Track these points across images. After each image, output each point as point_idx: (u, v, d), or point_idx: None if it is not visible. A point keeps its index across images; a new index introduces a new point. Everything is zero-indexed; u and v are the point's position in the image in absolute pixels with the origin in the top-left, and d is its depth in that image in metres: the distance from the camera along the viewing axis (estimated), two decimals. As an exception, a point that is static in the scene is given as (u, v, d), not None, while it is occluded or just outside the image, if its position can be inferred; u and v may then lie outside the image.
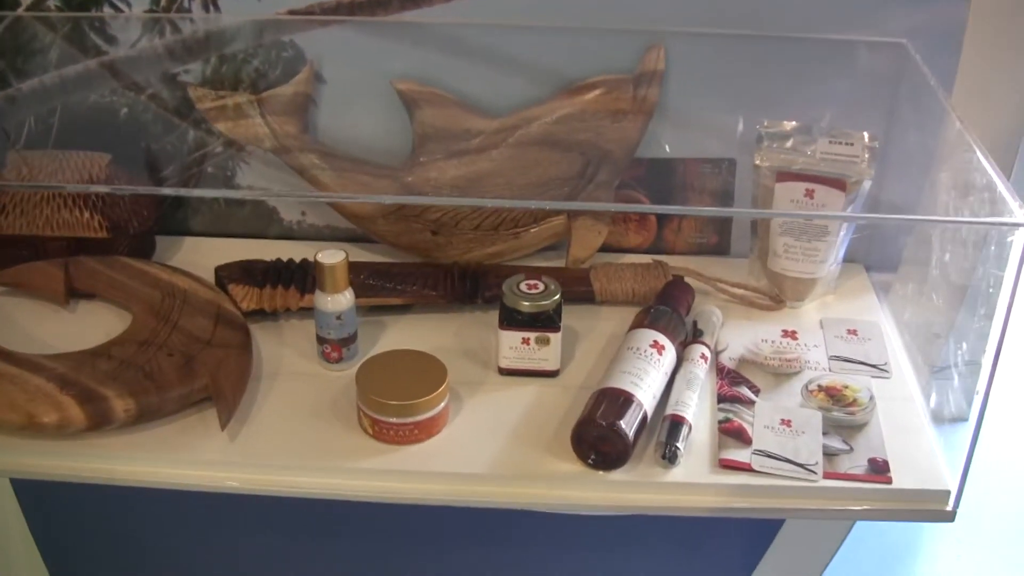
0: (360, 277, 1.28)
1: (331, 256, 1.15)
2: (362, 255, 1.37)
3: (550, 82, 1.30)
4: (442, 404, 1.10)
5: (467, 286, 1.28)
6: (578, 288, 1.30)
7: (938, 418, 1.17)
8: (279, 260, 1.30)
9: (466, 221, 1.33)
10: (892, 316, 1.32)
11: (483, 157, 1.31)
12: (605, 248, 1.38)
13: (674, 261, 1.34)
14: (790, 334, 1.27)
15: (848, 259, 1.35)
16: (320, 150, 1.32)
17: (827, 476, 1.06)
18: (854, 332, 1.27)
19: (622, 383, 1.10)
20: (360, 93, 1.33)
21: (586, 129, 1.29)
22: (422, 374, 1.11)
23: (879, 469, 1.08)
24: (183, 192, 1.42)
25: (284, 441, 1.09)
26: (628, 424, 1.05)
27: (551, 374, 1.19)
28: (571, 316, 1.26)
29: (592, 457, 1.06)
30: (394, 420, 1.07)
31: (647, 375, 1.11)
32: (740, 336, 1.26)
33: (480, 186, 1.32)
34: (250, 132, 1.31)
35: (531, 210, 1.34)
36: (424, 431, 1.09)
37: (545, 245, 1.37)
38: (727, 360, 1.22)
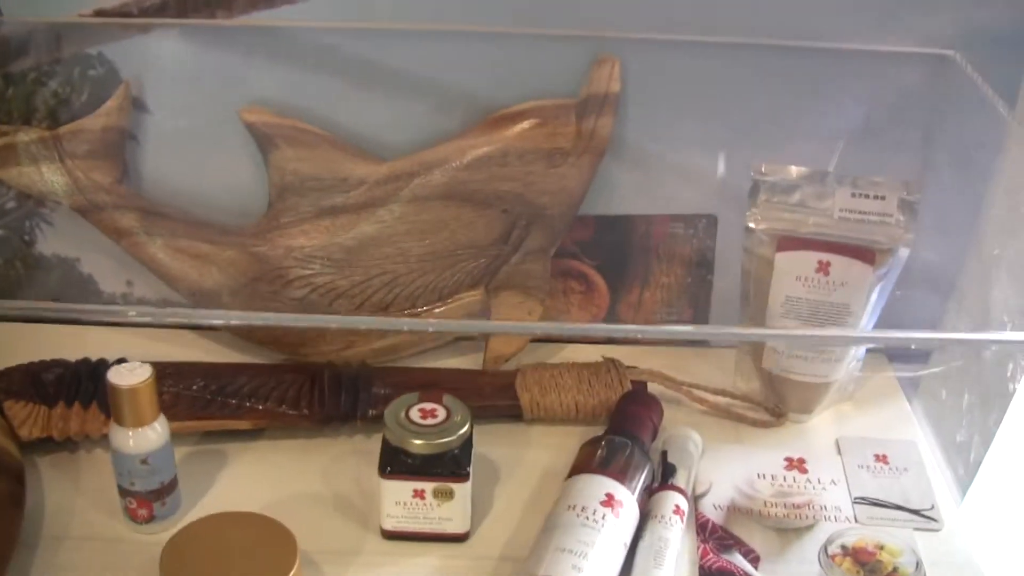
0: (191, 388, 0.90)
1: (129, 373, 0.77)
2: (208, 349, 0.99)
3: (460, 110, 0.93)
4: (288, 602, 0.72)
5: (342, 400, 0.90)
6: (499, 402, 0.93)
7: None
8: (84, 360, 0.91)
9: (344, 300, 0.96)
10: (929, 427, 0.96)
11: (366, 217, 0.94)
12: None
13: (633, 354, 0.97)
14: (796, 464, 0.91)
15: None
16: (143, 207, 0.95)
17: None
18: (883, 459, 0.92)
19: (560, 570, 0.73)
20: (198, 126, 0.95)
21: (511, 177, 0.92)
22: (259, 550, 0.74)
23: None
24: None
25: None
26: (569, 639, 0.69)
27: (457, 539, 0.82)
28: (490, 442, 0.90)
29: None
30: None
31: (595, 549, 0.75)
32: (727, 468, 0.90)
33: (362, 258, 0.95)
34: (43, 182, 0.93)
35: (436, 286, 0.97)
36: (260, 646, 0.72)
37: (456, 335, 1.00)
38: (710, 510, 0.86)
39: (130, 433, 0.78)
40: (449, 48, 0.91)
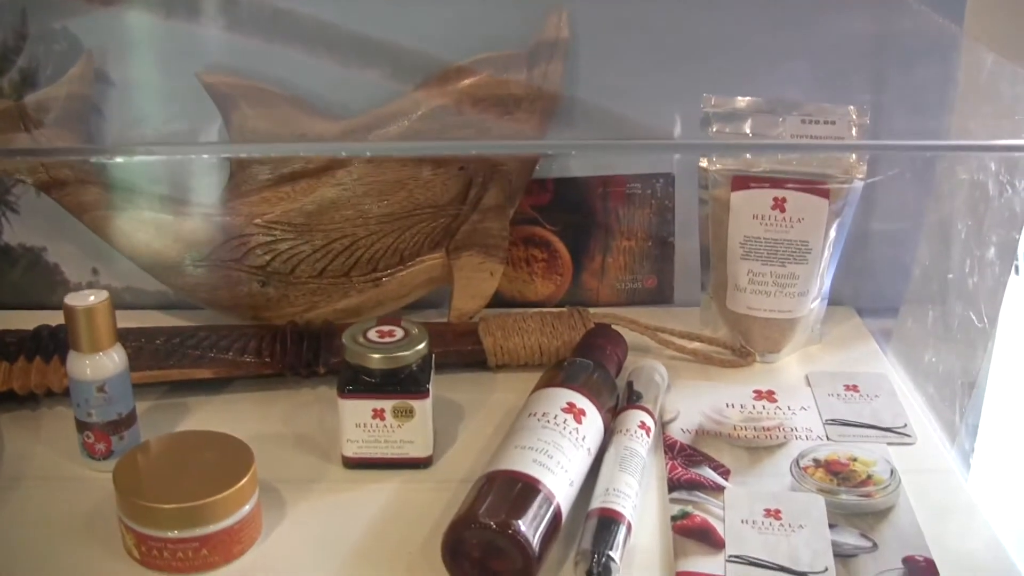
0: (153, 342, 0.90)
1: (87, 296, 0.77)
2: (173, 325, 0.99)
3: (413, 66, 0.95)
4: (246, 507, 0.71)
5: (304, 349, 0.90)
6: (462, 347, 0.92)
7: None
8: (44, 325, 0.91)
9: (305, 265, 0.96)
10: (902, 367, 0.95)
11: (326, 181, 0.94)
12: (502, 302, 1.02)
13: (598, 316, 0.97)
14: (766, 395, 0.90)
15: (833, 301, 0.99)
16: (105, 182, 0.95)
17: (844, 589, 0.68)
18: (854, 388, 0.91)
19: (521, 464, 0.71)
20: (160, 96, 0.97)
21: (466, 125, 0.94)
22: (216, 464, 0.72)
23: (922, 573, 0.69)
24: None
25: (7, 570, 0.69)
26: (531, 525, 0.67)
27: (420, 464, 0.80)
28: (453, 387, 0.89)
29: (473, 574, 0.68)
30: (171, 535, 0.68)
31: (559, 451, 0.73)
32: (695, 401, 0.89)
33: (322, 222, 0.95)
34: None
35: (397, 248, 0.97)
36: (218, 551, 0.70)
37: (418, 296, 1.00)
38: (678, 433, 0.84)
39: (87, 361, 0.77)
40: (402, 9, 0.94)
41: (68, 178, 0.94)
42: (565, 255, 1.03)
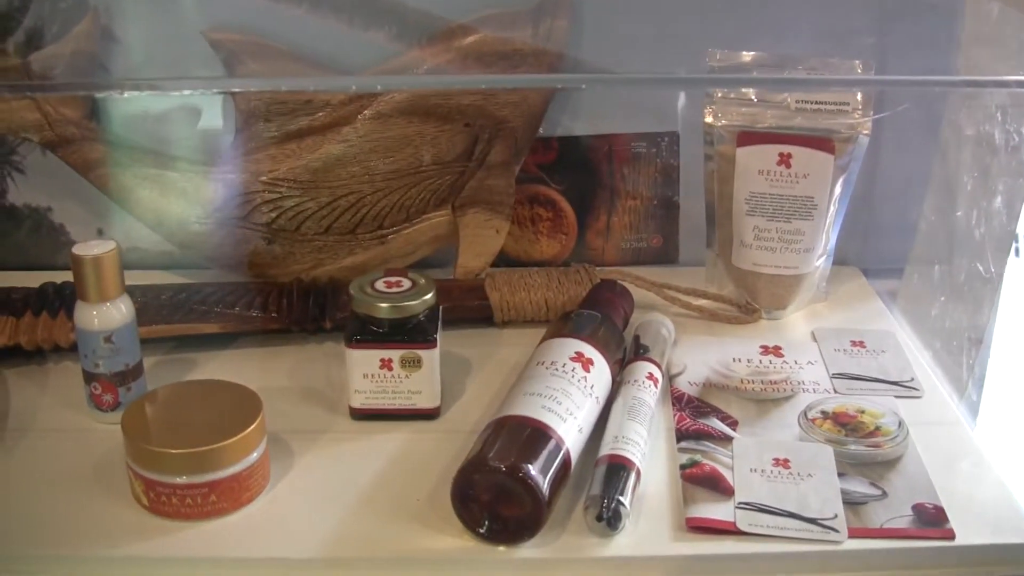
0: (158, 298, 0.90)
1: (94, 246, 0.76)
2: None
3: (417, 24, 0.95)
4: (254, 454, 0.71)
5: (311, 305, 0.90)
6: (469, 302, 0.92)
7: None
8: (50, 283, 0.90)
9: (311, 222, 0.96)
10: (909, 325, 0.95)
11: (332, 137, 0.94)
12: (507, 262, 1.02)
13: (604, 272, 0.96)
14: (772, 350, 0.90)
15: (838, 261, 0.99)
16: (111, 140, 0.95)
17: (854, 534, 0.68)
18: (860, 344, 0.91)
19: (530, 410, 0.71)
20: (166, 53, 0.96)
21: (470, 89, 0.93)
22: (224, 412, 0.72)
23: (931, 519, 0.70)
24: None
25: (13, 520, 0.69)
26: (541, 469, 0.67)
27: (427, 415, 0.80)
28: (460, 342, 0.89)
29: (485, 524, 0.67)
30: (180, 480, 0.68)
31: (568, 398, 0.73)
32: (701, 356, 0.89)
33: (328, 179, 0.95)
34: (13, 115, 0.93)
35: (403, 205, 0.97)
36: (227, 497, 0.70)
37: (424, 254, 1.00)
38: (685, 385, 0.85)
39: (94, 311, 0.77)
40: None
41: (74, 136, 0.94)
42: (570, 214, 1.03)
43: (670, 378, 0.85)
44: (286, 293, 0.91)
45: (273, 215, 0.95)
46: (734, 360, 0.88)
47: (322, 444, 0.78)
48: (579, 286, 0.92)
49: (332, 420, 0.81)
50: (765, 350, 0.90)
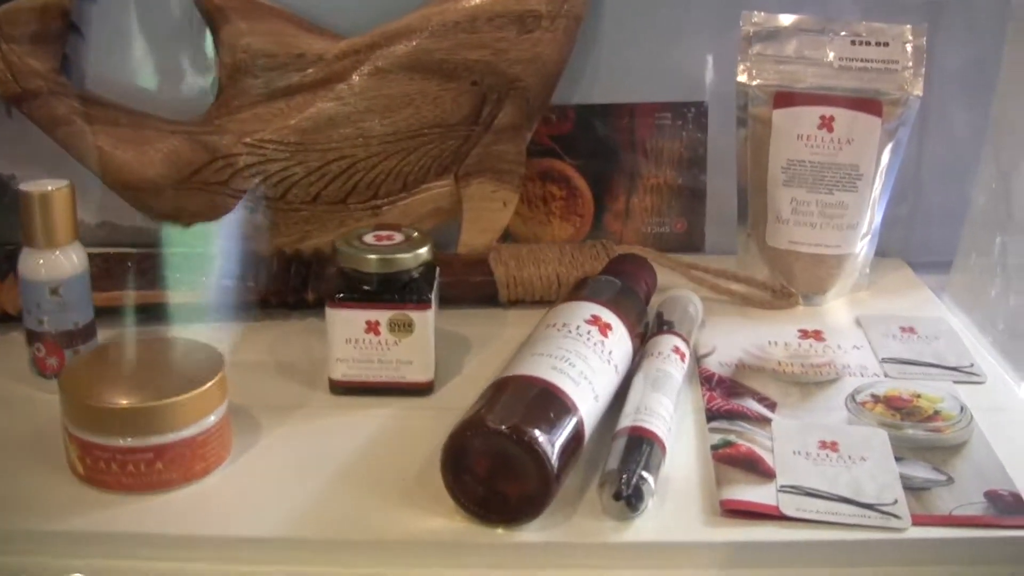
0: (123, 264, 0.80)
1: (45, 184, 0.67)
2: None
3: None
4: (211, 417, 0.60)
5: (291, 276, 0.80)
6: (471, 277, 0.82)
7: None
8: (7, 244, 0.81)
9: (298, 189, 0.86)
10: (963, 312, 0.85)
11: (323, 95, 0.85)
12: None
13: (623, 251, 0.86)
14: (812, 334, 0.79)
15: (881, 252, 0.89)
16: (83, 95, 0.86)
17: (918, 521, 0.57)
18: (911, 330, 0.80)
19: (538, 370, 0.61)
20: (145, 12, 0.87)
21: (480, 44, 0.84)
22: (179, 369, 0.62)
23: (1009, 507, 0.59)
24: None
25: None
26: (549, 434, 0.56)
27: (419, 390, 0.70)
28: (460, 321, 0.79)
29: (480, 498, 0.57)
30: (120, 443, 0.58)
31: (583, 360, 0.63)
32: (733, 338, 0.78)
33: (318, 141, 0.86)
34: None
35: (400, 172, 0.87)
36: (176, 466, 0.59)
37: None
38: (716, 366, 0.74)
39: (40, 259, 0.67)
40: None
41: (40, 89, 0.85)
42: (586, 193, 0.93)
43: (698, 359, 0.75)
44: (265, 263, 0.81)
45: (256, 180, 0.86)
46: (770, 343, 0.78)
47: (296, 420, 0.68)
48: (595, 261, 0.82)
49: (309, 395, 0.71)
50: (804, 334, 0.79)
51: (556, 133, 0.91)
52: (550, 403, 0.58)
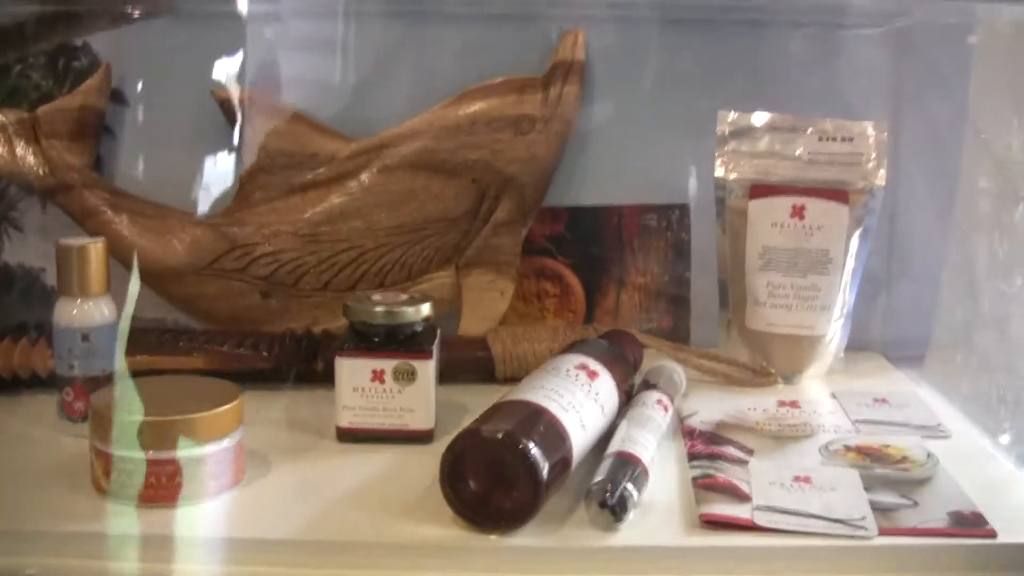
0: (146, 334, 0.86)
1: (80, 239, 0.74)
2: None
3: (426, 88, 0.95)
4: (225, 441, 0.65)
5: (303, 347, 0.86)
6: (470, 354, 0.88)
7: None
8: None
9: (310, 277, 0.93)
10: (934, 391, 0.90)
11: (336, 190, 0.93)
12: (513, 330, 0.98)
13: (612, 338, 0.92)
14: (790, 403, 0.85)
15: (857, 347, 0.95)
16: (113, 189, 0.94)
17: (885, 532, 0.61)
18: (883, 400, 0.86)
19: (532, 396, 0.66)
20: (173, 114, 0.96)
21: (478, 145, 0.93)
22: (200, 396, 0.67)
23: (969, 521, 0.63)
24: None
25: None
26: (541, 447, 0.61)
27: (421, 437, 0.75)
28: (461, 394, 0.84)
29: (475, 505, 0.61)
30: (146, 455, 0.62)
31: (571, 395, 0.68)
32: (714, 404, 0.84)
33: (329, 233, 0.93)
34: (15, 163, 0.92)
35: (405, 263, 0.94)
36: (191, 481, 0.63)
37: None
38: (698, 423, 0.79)
39: (74, 308, 0.73)
40: (411, 30, 0.95)
41: (74, 181, 0.92)
42: (578, 290, 1.00)
43: (681, 419, 0.80)
44: (278, 339, 0.87)
45: (272, 268, 0.93)
46: (749, 409, 0.83)
47: (304, 460, 0.73)
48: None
49: (317, 442, 0.75)
50: (782, 403, 0.84)
51: (550, 233, 0.98)
52: (541, 421, 0.64)
